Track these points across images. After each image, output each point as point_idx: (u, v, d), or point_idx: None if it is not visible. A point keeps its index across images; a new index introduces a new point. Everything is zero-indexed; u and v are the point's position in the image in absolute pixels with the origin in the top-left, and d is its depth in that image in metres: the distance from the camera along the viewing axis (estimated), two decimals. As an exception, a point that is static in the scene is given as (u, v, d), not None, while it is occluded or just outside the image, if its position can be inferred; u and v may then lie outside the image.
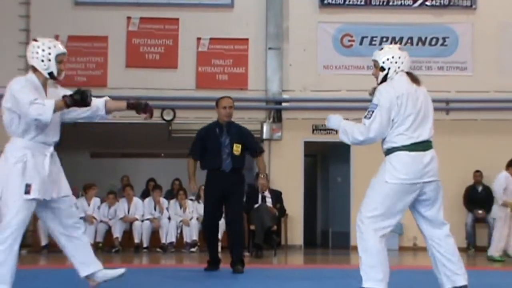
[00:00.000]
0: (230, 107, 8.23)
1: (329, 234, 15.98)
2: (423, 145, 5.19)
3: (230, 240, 8.14)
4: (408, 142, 5.15)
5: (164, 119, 14.67)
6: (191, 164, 8.36)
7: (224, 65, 14.93)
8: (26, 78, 5.48)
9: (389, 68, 5.39)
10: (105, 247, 13.03)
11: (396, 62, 5.37)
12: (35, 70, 5.48)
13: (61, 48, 5.70)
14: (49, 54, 5.52)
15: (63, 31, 14.60)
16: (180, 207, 13.35)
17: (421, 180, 5.14)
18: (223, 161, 8.00)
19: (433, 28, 15.03)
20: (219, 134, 8.13)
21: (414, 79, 5.37)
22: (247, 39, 14.90)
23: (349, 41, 15.00)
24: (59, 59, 5.64)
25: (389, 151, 5.24)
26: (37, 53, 5.49)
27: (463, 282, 5.28)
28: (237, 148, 8.02)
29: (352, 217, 14.72)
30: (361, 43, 14.96)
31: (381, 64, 5.40)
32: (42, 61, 5.49)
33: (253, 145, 8.24)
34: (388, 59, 5.39)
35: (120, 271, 5.71)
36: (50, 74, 5.52)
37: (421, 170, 5.14)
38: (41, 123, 5.23)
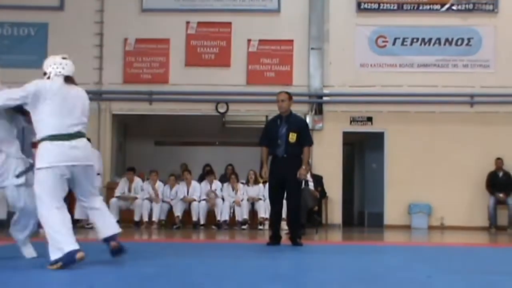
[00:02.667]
0: (283, 101, 8.28)
1: (365, 214, 15.92)
2: None
3: (288, 218, 8.23)
4: None
5: (218, 112, 14.76)
6: (263, 152, 8.43)
7: (271, 63, 14.94)
8: None
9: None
10: (167, 224, 13.19)
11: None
12: None
13: None
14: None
15: (131, 34, 14.82)
16: (233, 190, 13.42)
17: None
18: (278, 147, 8.07)
19: (459, 30, 14.81)
20: (279, 124, 8.19)
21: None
22: (292, 40, 14.88)
23: (383, 41, 14.87)
24: None
25: None
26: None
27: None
28: (292, 137, 8.06)
29: (385, 199, 14.66)
30: (394, 44, 14.82)
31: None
32: None
33: (304, 137, 8.25)
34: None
35: None
36: None
37: None
38: None
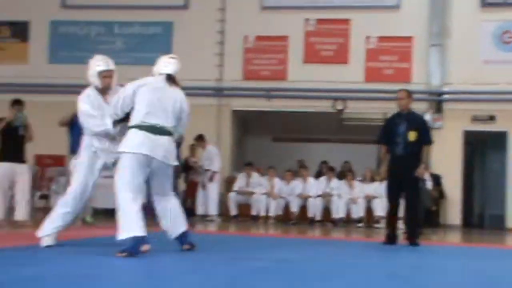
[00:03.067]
0: (402, 98, 8.16)
1: (485, 216, 15.38)
2: None
3: (406, 217, 8.13)
4: None
5: (336, 109, 14.71)
6: (382, 149, 8.38)
7: (390, 60, 14.72)
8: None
9: None
10: (284, 220, 13.31)
11: None
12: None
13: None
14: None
15: (251, 32, 15.06)
16: (349, 187, 13.35)
17: None
18: (397, 145, 7.97)
19: None
20: (398, 122, 8.09)
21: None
22: (411, 37, 14.58)
23: (509, 37, 14.27)
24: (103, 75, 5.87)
25: None
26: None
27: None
28: (411, 135, 7.93)
29: (507, 201, 14.08)
30: (520, 40, 14.20)
31: None
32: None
33: (424, 135, 8.09)
34: None
35: None
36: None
37: None
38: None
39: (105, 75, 5.86)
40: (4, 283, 3.65)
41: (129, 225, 5.19)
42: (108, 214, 13.14)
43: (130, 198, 5.26)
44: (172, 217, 5.70)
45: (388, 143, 8.15)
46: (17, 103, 9.28)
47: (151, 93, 5.50)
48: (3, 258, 5.06)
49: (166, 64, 5.73)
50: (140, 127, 5.41)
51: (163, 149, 5.45)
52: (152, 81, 5.65)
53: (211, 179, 13.08)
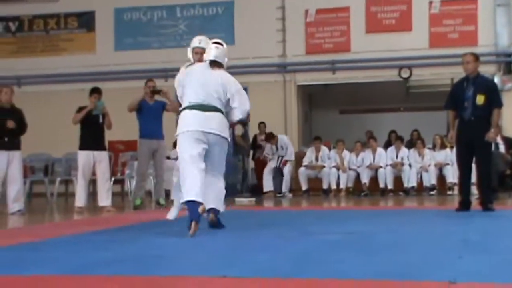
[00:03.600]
0: (468, 62, 7.93)
1: None
2: None
3: (478, 183, 7.97)
4: None
5: (401, 77, 14.47)
6: (450, 115, 8.19)
7: (454, 24, 14.34)
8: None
9: None
10: (355, 192, 13.24)
11: None
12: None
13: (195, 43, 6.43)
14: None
15: (311, 5, 14.93)
16: (419, 155, 13.14)
17: None
18: (465, 110, 7.79)
19: None
20: (466, 86, 7.89)
21: None
22: (477, -2, 14.15)
23: None
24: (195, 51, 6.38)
25: None
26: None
27: None
28: (479, 99, 7.72)
29: None
30: None
31: None
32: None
33: (493, 98, 7.86)
34: None
35: None
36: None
37: None
38: None
39: (196, 51, 6.34)
40: (84, 265, 3.78)
41: (187, 190, 5.34)
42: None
43: (189, 166, 5.42)
44: (210, 192, 5.66)
45: (456, 109, 7.97)
46: (95, 91, 9.53)
47: (196, 78, 5.74)
48: (82, 242, 5.23)
49: (208, 51, 5.92)
50: (190, 107, 5.62)
51: (215, 122, 5.60)
52: (196, 68, 5.93)
53: (284, 164, 13.29)
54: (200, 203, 5.25)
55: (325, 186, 13.28)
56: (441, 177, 12.91)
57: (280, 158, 13.49)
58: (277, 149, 13.56)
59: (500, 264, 3.61)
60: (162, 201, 9.71)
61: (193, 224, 5.16)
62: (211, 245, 4.84)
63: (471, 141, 7.74)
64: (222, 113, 5.70)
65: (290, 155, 13.56)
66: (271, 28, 14.93)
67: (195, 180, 5.36)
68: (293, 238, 5.15)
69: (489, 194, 7.98)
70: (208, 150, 5.61)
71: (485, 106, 7.74)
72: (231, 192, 13.40)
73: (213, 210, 5.71)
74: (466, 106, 7.79)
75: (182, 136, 5.55)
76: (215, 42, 5.92)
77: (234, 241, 5.08)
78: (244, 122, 10.34)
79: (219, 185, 5.82)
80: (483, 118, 7.73)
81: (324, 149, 13.68)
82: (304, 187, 13.34)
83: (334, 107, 17.64)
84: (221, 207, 5.85)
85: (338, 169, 13.27)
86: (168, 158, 12.51)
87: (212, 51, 5.84)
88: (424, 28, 14.40)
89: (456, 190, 12.24)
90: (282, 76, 14.91)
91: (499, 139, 11.89)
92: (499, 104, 7.94)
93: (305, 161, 13.58)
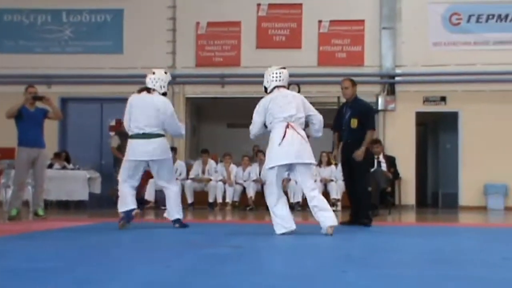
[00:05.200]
0: (346, 88, 8.40)
1: (439, 195, 15.65)
2: None
3: (354, 199, 8.30)
4: None
5: (290, 93, 14.71)
6: (335, 136, 8.64)
7: (342, 44, 14.79)
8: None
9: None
10: (241, 206, 13.30)
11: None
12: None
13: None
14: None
15: (203, 18, 14.94)
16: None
17: None
18: (344, 132, 8.26)
19: (538, 4, 14.25)
20: (345, 110, 8.35)
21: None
22: (363, 20, 14.69)
23: (457, 19, 14.47)
24: None
25: None
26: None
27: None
28: (353, 122, 8.17)
29: (460, 180, 14.35)
30: (468, 21, 14.41)
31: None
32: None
33: (365, 121, 8.27)
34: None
35: None
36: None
37: None
38: None
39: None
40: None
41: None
42: (61, 206, 13.00)
43: (126, 186, 7.28)
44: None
45: (339, 131, 8.44)
46: None
47: (133, 107, 7.28)
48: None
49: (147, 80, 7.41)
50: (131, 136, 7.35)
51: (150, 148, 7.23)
52: (133, 98, 7.38)
53: None
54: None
55: (211, 200, 13.27)
56: (325, 193, 13.21)
57: None
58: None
59: (382, 278, 3.71)
60: (41, 212, 9.31)
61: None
62: (95, 259, 4.68)
63: (348, 161, 8.19)
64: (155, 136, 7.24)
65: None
66: (161, 38, 14.81)
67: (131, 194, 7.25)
68: (179, 252, 5.08)
69: (365, 210, 8.29)
70: (152, 169, 7.48)
71: (359, 129, 8.18)
72: (110, 204, 13.17)
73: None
74: (344, 129, 8.28)
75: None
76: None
77: (118, 254, 4.93)
78: (126, 134, 10.33)
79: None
80: (357, 141, 8.20)
81: (211, 162, 13.68)
82: (189, 200, 13.27)
83: (222, 120, 17.69)
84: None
85: (224, 182, 13.30)
86: (50, 167, 12.10)
87: (148, 79, 7.25)
88: (313, 47, 14.77)
89: (339, 206, 12.62)
90: (171, 88, 14.75)
91: (381, 158, 12.36)
92: (371, 127, 8.39)
93: (192, 174, 13.52)
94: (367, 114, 8.41)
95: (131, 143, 7.26)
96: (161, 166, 7.32)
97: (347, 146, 8.21)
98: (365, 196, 8.47)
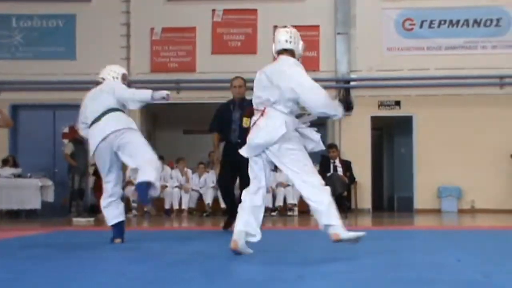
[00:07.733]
0: (240, 87, 8.29)
1: (394, 199, 15.84)
2: None
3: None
4: None
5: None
6: (214, 137, 8.41)
7: (298, 49, 14.85)
8: None
9: None
10: (197, 212, 13.25)
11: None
12: None
13: None
14: None
15: (157, 24, 14.87)
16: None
17: None
18: (232, 133, 8.04)
19: (488, 10, 14.58)
20: (232, 109, 8.17)
21: None
22: (318, 26, 14.80)
23: (410, 24, 14.71)
24: None
25: None
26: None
27: None
28: (246, 121, 7.73)
29: (415, 183, 14.56)
30: (421, 26, 14.66)
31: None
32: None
33: None
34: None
35: None
36: None
37: None
38: None
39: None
40: None
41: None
42: (12, 216, 12.74)
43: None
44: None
45: (221, 131, 8.20)
46: None
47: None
48: None
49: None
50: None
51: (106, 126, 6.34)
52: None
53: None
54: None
55: (167, 206, 13.19)
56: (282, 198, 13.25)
57: None
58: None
59: (338, 282, 3.73)
60: None
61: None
62: (46, 270, 4.59)
63: (236, 165, 7.55)
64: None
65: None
66: (115, 44, 14.68)
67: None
68: (137, 259, 5.02)
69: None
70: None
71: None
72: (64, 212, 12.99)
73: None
74: (233, 129, 8.03)
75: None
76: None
77: (70, 264, 4.86)
78: (80, 141, 10.21)
79: None
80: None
81: (167, 169, 13.60)
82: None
83: (178, 126, 17.59)
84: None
85: (180, 188, 13.24)
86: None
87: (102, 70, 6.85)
88: (268, 52, 14.60)
89: (296, 211, 12.67)
90: (126, 94, 14.65)
91: (337, 162, 12.45)
92: None
93: (148, 181, 13.37)
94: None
95: (90, 133, 6.36)
96: (127, 143, 6.23)
97: (236, 148, 7.23)
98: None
